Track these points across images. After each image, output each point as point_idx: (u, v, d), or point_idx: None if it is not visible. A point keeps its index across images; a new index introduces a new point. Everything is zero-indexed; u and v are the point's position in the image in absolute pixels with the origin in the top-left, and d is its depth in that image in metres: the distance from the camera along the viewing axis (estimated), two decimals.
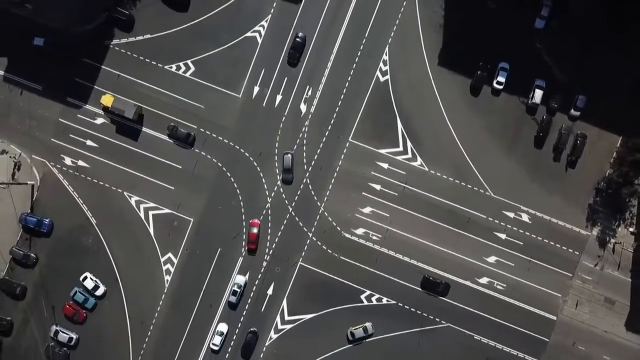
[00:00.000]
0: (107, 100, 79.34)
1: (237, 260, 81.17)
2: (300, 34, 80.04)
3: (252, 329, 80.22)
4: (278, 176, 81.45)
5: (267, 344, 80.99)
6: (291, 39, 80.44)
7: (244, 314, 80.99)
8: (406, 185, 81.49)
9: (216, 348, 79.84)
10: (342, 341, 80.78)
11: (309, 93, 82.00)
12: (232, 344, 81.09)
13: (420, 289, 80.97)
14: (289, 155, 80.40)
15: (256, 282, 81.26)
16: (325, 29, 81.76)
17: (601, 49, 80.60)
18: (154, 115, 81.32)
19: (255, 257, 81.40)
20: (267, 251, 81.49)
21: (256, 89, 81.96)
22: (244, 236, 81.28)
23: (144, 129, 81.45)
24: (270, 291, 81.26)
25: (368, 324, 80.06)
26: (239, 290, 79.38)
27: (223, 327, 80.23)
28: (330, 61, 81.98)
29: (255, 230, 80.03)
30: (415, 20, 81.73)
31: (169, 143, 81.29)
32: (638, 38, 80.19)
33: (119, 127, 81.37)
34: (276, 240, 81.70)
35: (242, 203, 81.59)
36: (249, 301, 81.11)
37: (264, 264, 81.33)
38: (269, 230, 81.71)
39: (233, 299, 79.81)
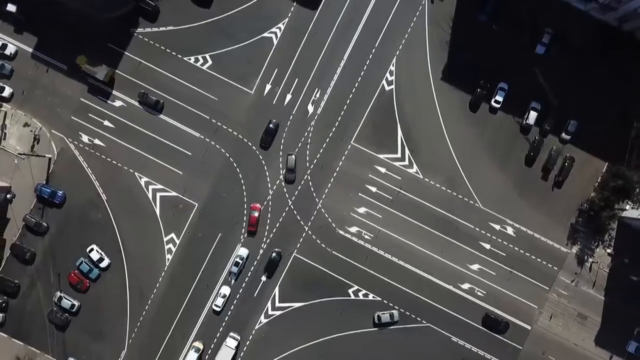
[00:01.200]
0: (81, 60, 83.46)
1: (236, 246, 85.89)
2: (274, 121, 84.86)
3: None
4: (281, 171, 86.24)
5: (256, 327, 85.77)
6: (266, 125, 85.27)
7: (237, 296, 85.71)
8: (401, 190, 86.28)
9: (218, 309, 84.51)
10: (327, 331, 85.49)
11: (317, 95, 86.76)
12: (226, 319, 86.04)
13: (401, 287, 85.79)
14: (293, 156, 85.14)
15: (251, 269, 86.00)
16: (338, 36, 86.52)
17: (595, 78, 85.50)
18: (171, 104, 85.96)
19: (253, 245, 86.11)
20: (264, 240, 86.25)
21: (268, 86, 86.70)
22: (244, 224, 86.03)
23: (161, 115, 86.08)
24: (264, 278, 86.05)
25: (395, 312, 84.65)
26: (241, 262, 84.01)
27: (225, 289, 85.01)
28: (340, 67, 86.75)
29: (256, 214, 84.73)
30: (423, 35, 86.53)
31: (182, 130, 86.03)
32: (630, 72, 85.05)
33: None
34: (274, 230, 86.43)
35: (245, 193, 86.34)
36: (243, 285, 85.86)
37: (261, 251, 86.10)
38: (268, 220, 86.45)
39: (235, 269, 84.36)
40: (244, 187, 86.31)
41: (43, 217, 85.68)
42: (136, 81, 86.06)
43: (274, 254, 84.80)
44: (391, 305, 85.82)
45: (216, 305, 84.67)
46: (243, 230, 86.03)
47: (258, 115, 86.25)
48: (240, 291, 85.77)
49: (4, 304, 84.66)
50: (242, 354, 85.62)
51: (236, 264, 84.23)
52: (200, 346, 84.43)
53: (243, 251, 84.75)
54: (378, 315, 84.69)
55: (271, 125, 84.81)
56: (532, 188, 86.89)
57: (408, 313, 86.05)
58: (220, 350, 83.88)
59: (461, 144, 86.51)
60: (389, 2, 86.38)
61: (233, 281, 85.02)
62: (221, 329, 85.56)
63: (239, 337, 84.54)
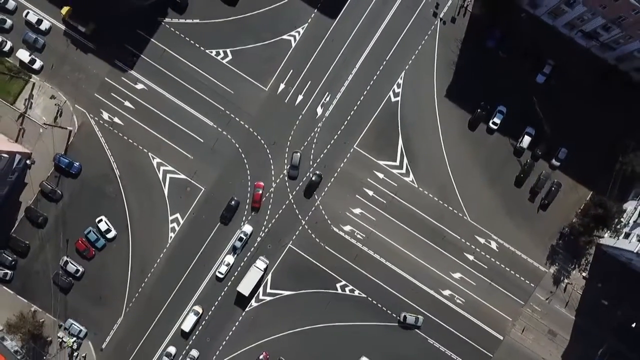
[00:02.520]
0: (65, 11, 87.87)
1: (236, 231, 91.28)
2: (235, 198, 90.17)
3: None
4: (286, 166, 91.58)
5: (247, 309, 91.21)
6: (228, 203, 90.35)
7: (232, 279, 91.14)
8: (395, 196, 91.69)
9: (221, 275, 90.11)
10: (313, 320, 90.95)
11: (327, 99, 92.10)
12: (220, 298, 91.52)
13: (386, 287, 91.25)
14: (298, 154, 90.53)
15: (248, 254, 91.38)
16: (353, 46, 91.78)
17: (588, 111, 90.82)
18: (189, 92, 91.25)
19: (252, 235, 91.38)
20: (263, 229, 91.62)
21: (282, 86, 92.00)
22: (245, 212, 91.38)
23: (176, 100, 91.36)
24: (257, 265, 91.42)
25: (421, 317, 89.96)
26: (245, 237, 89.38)
27: (229, 258, 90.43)
28: (351, 74, 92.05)
29: (260, 191, 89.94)
30: (432, 54, 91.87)
31: (197, 118, 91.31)
32: (622, 109, 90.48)
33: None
34: (273, 221, 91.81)
35: (249, 183, 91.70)
36: (238, 269, 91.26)
37: (258, 239, 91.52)
38: (268, 211, 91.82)
39: (238, 244, 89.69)
40: (249, 177, 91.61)
41: (58, 185, 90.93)
42: (159, 67, 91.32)
43: (314, 177, 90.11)
44: (375, 302, 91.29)
45: (219, 272, 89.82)
46: (247, 207, 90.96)
47: (270, 111, 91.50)
48: (242, 264, 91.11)
49: (13, 262, 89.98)
50: (230, 334, 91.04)
51: (240, 239, 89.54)
52: (200, 310, 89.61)
53: (247, 228, 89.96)
54: (404, 316, 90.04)
55: (232, 203, 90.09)
56: (518, 208, 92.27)
57: (389, 312, 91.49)
58: (250, 271, 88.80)
59: (457, 159, 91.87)
60: (403, 19, 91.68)
61: (235, 255, 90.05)
62: (222, 294, 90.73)
63: (268, 261, 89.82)
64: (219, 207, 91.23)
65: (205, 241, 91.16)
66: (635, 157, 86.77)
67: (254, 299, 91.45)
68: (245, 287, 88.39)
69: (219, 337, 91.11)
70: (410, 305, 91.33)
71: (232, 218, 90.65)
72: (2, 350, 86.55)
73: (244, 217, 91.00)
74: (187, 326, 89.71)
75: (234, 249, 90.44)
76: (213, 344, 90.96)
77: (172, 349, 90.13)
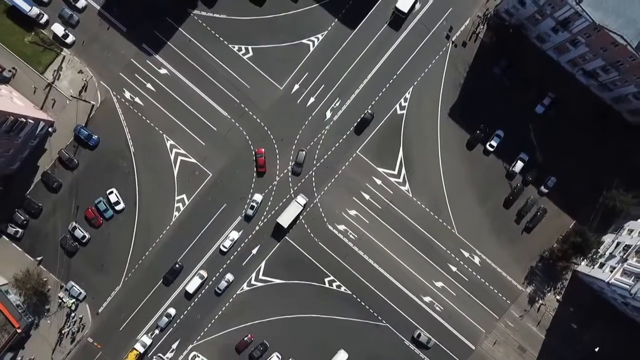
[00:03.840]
0: None
1: (237, 217, 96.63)
2: (180, 263, 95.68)
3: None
4: (291, 162, 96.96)
5: (238, 292, 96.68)
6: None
7: (227, 262, 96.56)
8: (390, 203, 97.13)
9: (225, 249, 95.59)
10: (299, 310, 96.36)
11: (337, 104, 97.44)
12: (210, 284, 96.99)
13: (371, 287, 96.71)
14: (303, 152, 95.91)
15: (245, 240, 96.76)
16: (367, 57, 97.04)
17: (580, 145, 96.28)
18: (208, 82, 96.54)
19: (250, 223, 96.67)
20: (262, 218, 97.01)
21: (296, 86, 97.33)
22: (248, 200, 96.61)
23: (195, 88, 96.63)
24: (254, 251, 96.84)
25: (433, 340, 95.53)
26: (255, 205, 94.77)
27: (234, 235, 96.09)
28: (362, 84, 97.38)
29: (262, 156, 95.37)
30: (441, 73, 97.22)
31: (213, 107, 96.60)
32: (612, 147, 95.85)
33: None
34: (272, 212, 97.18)
35: (254, 174, 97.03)
36: (235, 253, 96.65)
37: (257, 228, 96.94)
38: (269, 202, 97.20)
39: (250, 212, 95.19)
40: (255, 168, 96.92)
41: (76, 154, 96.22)
42: (183, 55, 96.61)
43: (366, 115, 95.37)
44: (359, 300, 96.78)
45: (223, 246, 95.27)
46: (246, 206, 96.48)
47: (282, 109, 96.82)
48: (227, 262, 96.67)
49: (25, 222, 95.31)
50: (219, 313, 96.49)
51: (252, 207, 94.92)
52: (205, 274, 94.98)
53: (258, 197, 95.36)
54: (418, 333, 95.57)
55: (177, 266, 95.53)
56: (504, 228, 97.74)
57: (371, 310, 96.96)
58: (290, 205, 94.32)
59: (452, 175, 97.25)
60: (418, 37, 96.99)
61: (241, 232, 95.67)
62: (225, 266, 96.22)
63: (307, 199, 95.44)
64: (223, 193, 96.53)
65: (207, 223, 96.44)
66: (618, 193, 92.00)
67: (245, 283, 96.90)
68: (284, 220, 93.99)
69: (208, 315, 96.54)
70: (391, 306, 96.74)
71: (174, 281, 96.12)
72: (5, 302, 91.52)
73: (252, 185, 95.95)
74: (191, 288, 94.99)
75: (247, 218, 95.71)
76: (202, 321, 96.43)
77: (172, 310, 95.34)
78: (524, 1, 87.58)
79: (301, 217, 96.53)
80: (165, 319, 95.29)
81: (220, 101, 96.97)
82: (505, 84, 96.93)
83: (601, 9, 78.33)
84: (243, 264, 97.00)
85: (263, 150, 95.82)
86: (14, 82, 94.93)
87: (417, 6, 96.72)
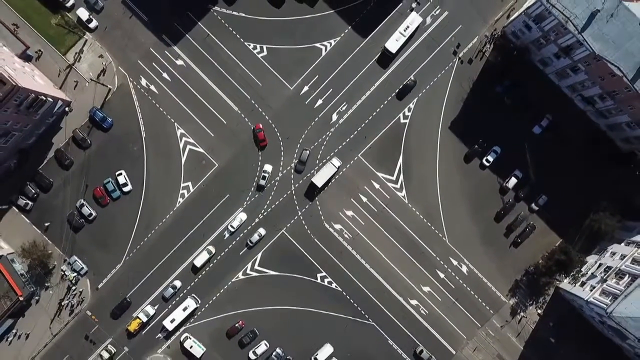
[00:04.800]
0: None
1: (237, 210, 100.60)
2: (128, 298, 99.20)
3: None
4: (294, 160, 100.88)
5: (233, 279, 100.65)
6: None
7: (226, 250, 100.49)
8: (386, 207, 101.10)
9: (232, 229, 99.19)
10: (290, 302, 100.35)
11: (344, 108, 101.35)
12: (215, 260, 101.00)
13: (361, 285, 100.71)
14: (307, 151, 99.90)
15: (245, 231, 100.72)
16: (376, 65, 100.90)
17: (573, 168, 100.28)
18: (222, 76, 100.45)
19: (249, 216, 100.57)
20: (262, 212, 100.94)
21: (305, 88, 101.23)
22: (250, 193, 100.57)
23: (209, 81, 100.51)
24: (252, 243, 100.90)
25: (434, 358, 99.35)
26: (267, 175, 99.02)
27: (243, 215, 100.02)
28: (369, 91, 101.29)
29: (261, 131, 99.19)
30: (445, 88, 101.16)
31: (224, 101, 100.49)
32: (603, 172, 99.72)
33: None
34: (272, 207, 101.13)
35: (258, 168, 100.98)
36: (233, 243, 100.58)
37: (257, 220, 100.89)
38: (270, 197, 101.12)
39: (262, 182, 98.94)
40: (259, 162, 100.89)
41: (89, 135, 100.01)
42: (200, 49, 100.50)
43: (409, 82, 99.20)
44: (348, 297, 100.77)
45: (231, 226, 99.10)
46: (247, 199, 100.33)
47: (291, 108, 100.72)
48: (226, 250, 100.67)
49: (35, 195, 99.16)
50: (214, 298, 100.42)
51: (263, 177, 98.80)
52: (213, 250, 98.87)
53: (268, 167, 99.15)
54: (420, 350, 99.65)
55: (124, 302, 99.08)
56: (493, 240, 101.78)
57: (359, 309, 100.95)
58: (325, 166, 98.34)
59: (447, 186, 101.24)
60: (426, 51, 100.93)
61: (258, 194, 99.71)
62: (234, 242, 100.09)
63: (342, 162, 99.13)
64: (227, 184, 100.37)
65: (209, 212, 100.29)
66: (604, 216, 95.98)
67: (241, 272, 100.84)
68: (319, 180, 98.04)
69: (202, 300, 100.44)
70: (378, 306, 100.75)
71: (121, 315, 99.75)
72: (10, 270, 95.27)
73: (259, 159, 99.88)
74: (199, 262, 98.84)
75: (259, 188, 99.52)
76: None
77: (177, 283, 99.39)
78: (530, 26, 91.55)
79: (289, 224, 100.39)
80: (170, 290, 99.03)
81: (231, 96, 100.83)
82: (506, 102, 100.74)
83: (601, 40, 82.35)
84: (240, 253, 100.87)
85: (260, 125, 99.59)
86: (35, 59, 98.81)
87: (426, 20, 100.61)
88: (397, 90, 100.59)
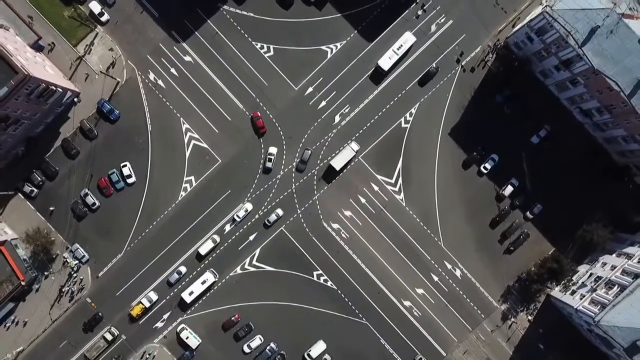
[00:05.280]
0: None
1: (239, 204, 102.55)
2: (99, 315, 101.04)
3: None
4: (296, 159, 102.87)
5: (231, 274, 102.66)
6: None
7: (226, 244, 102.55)
8: (384, 209, 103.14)
9: (238, 219, 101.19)
10: (285, 297, 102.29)
11: (346, 110, 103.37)
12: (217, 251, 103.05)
13: (356, 285, 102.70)
14: (309, 151, 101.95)
15: (244, 227, 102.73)
16: (380, 70, 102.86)
17: (569, 178, 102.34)
18: (228, 74, 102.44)
19: (249, 211, 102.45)
20: (262, 208, 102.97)
21: (310, 89, 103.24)
22: (252, 189, 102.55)
23: (216, 78, 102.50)
24: (251, 238, 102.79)
25: None
26: (272, 157, 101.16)
27: (248, 206, 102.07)
28: (372, 94, 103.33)
29: (259, 118, 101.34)
30: (447, 95, 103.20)
31: (230, 98, 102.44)
32: (598, 184, 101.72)
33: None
34: (272, 204, 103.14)
35: (261, 165, 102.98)
36: (233, 237, 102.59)
37: (256, 216, 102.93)
38: (271, 195, 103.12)
39: (269, 164, 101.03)
40: (262, 160, 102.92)
41: (96, 126, 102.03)
42: (208, 46, 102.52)
43: (431, 69, 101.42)
44: (343, 296, 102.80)
45: (237, 216, 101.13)
46: (249, 194, 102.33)
47: (294, 108, 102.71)
48: (227, 241, 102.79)
49: (41, 183, 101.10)
50: (211, 291, 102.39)
51: (269, 159, 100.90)
52: (218, 239, 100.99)
53: (273, 149, 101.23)
54: (420, 358, 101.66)
55: (97, 316, 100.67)
56: (488, 246, 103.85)
57: (354, 307, 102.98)
58: (344, 149, 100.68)
59: (445, 190, 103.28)
60: (429, 58, 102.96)
61: (263, 174, 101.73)
62: (240, 231, 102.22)
63: (360, 146, 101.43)
64: (229, 180, 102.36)
65: (211, 206, 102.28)
66: (597, 227, 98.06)
67: (239, 266, 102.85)
68: (337, 162, 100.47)
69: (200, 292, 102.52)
70: (372, 305, 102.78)
71: (93, 329, 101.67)
72: (13, 255, 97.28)
73: (262, 145, 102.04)
74: (203, 250, 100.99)
75: (265, 170, 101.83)
76: (194, 297, 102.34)
77: (182, 268, 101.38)
78: (532, 38, 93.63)
79: (288, 222, 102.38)
80: (176, 276, 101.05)
81: (237, 93, 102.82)
82: (506, 112, 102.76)
83: (601, 55, 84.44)
84: (239, 248, 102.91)
85: (258, 113, 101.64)
86: (47, 50, 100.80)
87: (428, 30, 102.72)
88: (419, 77, 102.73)
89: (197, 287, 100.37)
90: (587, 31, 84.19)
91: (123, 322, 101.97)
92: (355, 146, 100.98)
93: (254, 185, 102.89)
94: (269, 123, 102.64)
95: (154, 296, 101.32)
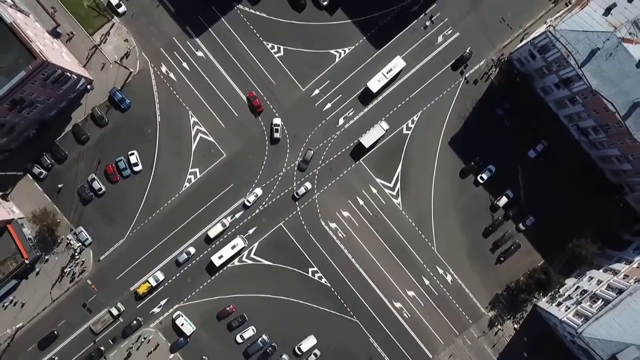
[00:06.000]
0: None
1: (239, 199, 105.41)
2: (56, 332, 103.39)
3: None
4: (298, 158, 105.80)
5: (229, 265, 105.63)
6: None
7: (226, 234, 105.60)
8: (381, 212, 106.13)
9: (249, 204, 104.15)
10: (280, 291, 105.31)
11: (350, 114, 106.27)
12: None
13: (349, 284, 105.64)
14: (311, 151, 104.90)
15: (244, 220, 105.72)
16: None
17: (562, 193, 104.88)
18: (239, 72, 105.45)
19: (250, 208, 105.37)
20: (263, 204, 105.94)
21: (316, 91, 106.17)
22: (254, 184, 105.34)
23: (226, 74, 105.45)
24: (250, 232, 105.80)
25: None
26: (278, 128, 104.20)
27: (257, 192, 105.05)
28: (377, 100, 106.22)
29: (255, 98, 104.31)
30: (449, 105, 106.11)
31: (238, 95, 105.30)
32: (591, 201, 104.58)
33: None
34: (273, 200, 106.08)
35: (264, 161, 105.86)
36: (233, 230, 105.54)
37: (257, 211, 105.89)
38: (272, 191, 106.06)
39: (277, 134, 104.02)
40: (266, 156, 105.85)
41: (107, 113, 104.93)
42: (220, 43, 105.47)
43: (465, 54, 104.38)
44: (336, 293, 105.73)
45: (247, 201, 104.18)
46: (251, 188, 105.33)
47: (300, 109, 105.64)
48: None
49: (50, 166, 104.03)
50: (209, 281, 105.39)
51: (275, 130, 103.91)
52: (227, 223, 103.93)
53: (277, 120, 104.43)
54: None
55: (52, 334, 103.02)
56: (479, 254, 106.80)
57: (345, 305, 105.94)
58: (374, 127, 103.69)
59: (441, 197, 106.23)
60: (434, 68, 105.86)
61: (270, 145, 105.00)
62: (251, 216, 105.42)
63: (390, 125, 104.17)
64: (232, 174, 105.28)
65: (213, 198, 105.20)
66: (586, 243, 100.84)
67: (237, 259, 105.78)
68: (367, 140, 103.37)
69: (198, 281, 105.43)
70: (364, 305, 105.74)
71: (47, 346, 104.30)
72: (19, 234, 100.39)
73: (261, 124, 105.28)
74: (213, 233, 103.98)
75: (273, 141, 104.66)
76: (193, 284, 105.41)
77: (192, 249, 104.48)
78: (535, 55, 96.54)
79: (287, 218, 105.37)
80: (184, 256, 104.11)
81: (246, 91, 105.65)
82: (505, 125, 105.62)
83: (599, 76, 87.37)
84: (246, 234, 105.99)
85: (253, 93, 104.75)
86: (64, 38, 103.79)
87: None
88: (452, 62, 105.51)
89: (226, 251, 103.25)
90: (588, 52, 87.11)
91: (120, 305, 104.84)
92: (385, 125, 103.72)
93: (256, 181, 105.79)
94: (274, 119, 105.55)
95: (160, 276, 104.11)
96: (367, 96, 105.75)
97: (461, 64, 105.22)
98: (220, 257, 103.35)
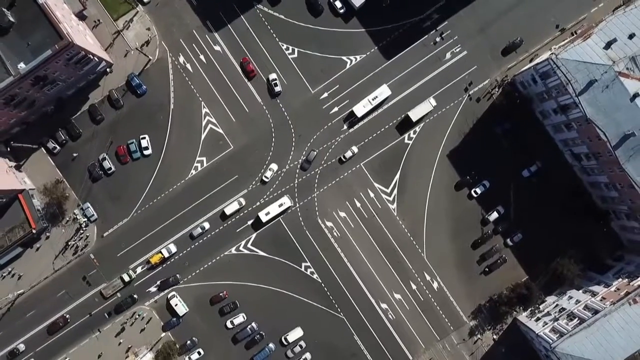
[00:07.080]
0: None
1: (243, 189, 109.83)
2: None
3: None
4: (302, 157, 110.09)
5: (226, 253, 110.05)
6: None
7: (224, 226, 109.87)
8: (376, 215, 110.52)
9: (266, 180, 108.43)
10: (272, 282, 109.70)
11: (356, 119, 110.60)
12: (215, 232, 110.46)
13: (339, 281, 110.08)
14: (315, 152, 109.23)
15: (245, 211, 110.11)
16: (393, 86, 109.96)
17: (552, 214, 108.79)
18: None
19: (248, 202, 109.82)
20: (264, 197, 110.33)
21: (325, 94, 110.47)
22: (257, 177, 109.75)
23: (240, 70, 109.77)
24: (249, 222, 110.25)
25: None
26: (275, 81, 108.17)
27: (274, 166, 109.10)
28: (382, 108, 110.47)
29: (249, 63, 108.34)
30: (451, 119, 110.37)
31: (250, 91, 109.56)
32: (580, 224, 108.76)
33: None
34: (274, 195, 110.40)
35: (269, 157, 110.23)
36: (233, 220, 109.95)
37: (258, 204, 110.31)
38: (274, 186, 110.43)
39: (277, 88, 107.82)
40: (271, 152, 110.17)
41: (123, 97, 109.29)
42: (238, 40, 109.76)
43: (516, 40, 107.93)
44: (326, 289, 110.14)
45: (265, 177, 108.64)
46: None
47: (308, 110, 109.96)
48: (225, 225, 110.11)
49: (64, 142, 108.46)
50: (205, 266, 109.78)
51: (275, 84, 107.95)
52: (243, 202, 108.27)
53: (273, 75, 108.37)
54: None
55: (15, 350, 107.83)
56: (466, 265, 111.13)
57: (334, 302, 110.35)
58: (423, 102, 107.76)
59: (435, 207, 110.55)
60: (440, 83, 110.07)
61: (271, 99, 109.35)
62: (267, 193, 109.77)
63: (436, 103, 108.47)
64: (238, 166, 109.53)
65: (217, 187, 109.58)
66: (568, 263, 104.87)
67: (234, 247, 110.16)
68: (415, 114, 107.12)
69: (195, 266, 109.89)
70: (351, 302, 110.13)
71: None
72: (29, 204, 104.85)
73: (255, 92, 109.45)
74: (229, 210, 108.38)
75: (273, 95, 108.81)
76: (190, 269, 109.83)
77: (206, 224, 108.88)
78: (536, 80, 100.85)
79: (286, 213, 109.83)
80: (199, 230, 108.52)
81: (257, 87, 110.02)
82: (503, 143, 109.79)
83: (594, 106, 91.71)
84: (237, 230, 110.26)
85: (247, 58, 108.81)
86: (89, 21, 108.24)
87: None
88: (503, 47, 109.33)
89: (273, 209, 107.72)
90: (586, 82, 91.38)
91: (119, 283, 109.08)
92: (433, 101, 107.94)
93: (261, 172, 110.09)
94: (282, 119, 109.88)
95: (173, 248, 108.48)
96: (352, 121, 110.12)
97: (512, 50, 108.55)
98: (267, 213, 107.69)
